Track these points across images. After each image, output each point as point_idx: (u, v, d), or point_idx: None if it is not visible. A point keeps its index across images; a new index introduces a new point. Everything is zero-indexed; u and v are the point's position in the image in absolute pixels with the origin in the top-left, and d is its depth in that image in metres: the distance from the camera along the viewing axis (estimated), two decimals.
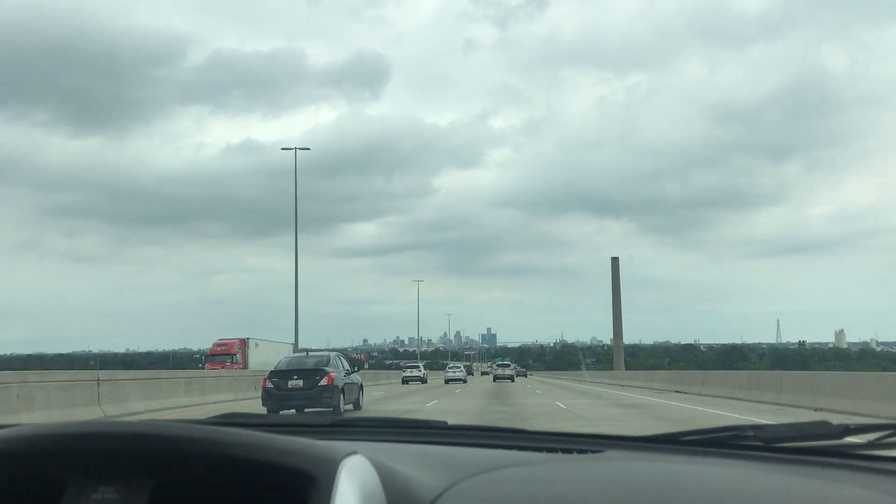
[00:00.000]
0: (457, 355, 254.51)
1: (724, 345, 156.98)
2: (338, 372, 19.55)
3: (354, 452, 1.14)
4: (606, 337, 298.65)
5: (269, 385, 18.98)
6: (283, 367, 19.71)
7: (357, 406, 21.00)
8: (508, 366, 71.62)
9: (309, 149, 47.80)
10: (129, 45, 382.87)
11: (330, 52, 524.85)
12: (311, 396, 18.49)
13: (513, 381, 63.61)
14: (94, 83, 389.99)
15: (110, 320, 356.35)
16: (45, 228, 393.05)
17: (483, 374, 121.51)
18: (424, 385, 52.19)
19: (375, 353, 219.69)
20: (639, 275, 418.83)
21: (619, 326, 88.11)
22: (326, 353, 21.62)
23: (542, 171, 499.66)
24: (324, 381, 18.67)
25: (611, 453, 1.61)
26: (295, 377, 18.85)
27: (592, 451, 1.61)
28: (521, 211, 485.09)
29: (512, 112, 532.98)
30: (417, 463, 1.35)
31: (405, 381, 56.56)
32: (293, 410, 18.57)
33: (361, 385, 22.29)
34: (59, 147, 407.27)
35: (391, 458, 1.26)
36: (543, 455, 1.57)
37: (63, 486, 1.14)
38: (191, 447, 1.11)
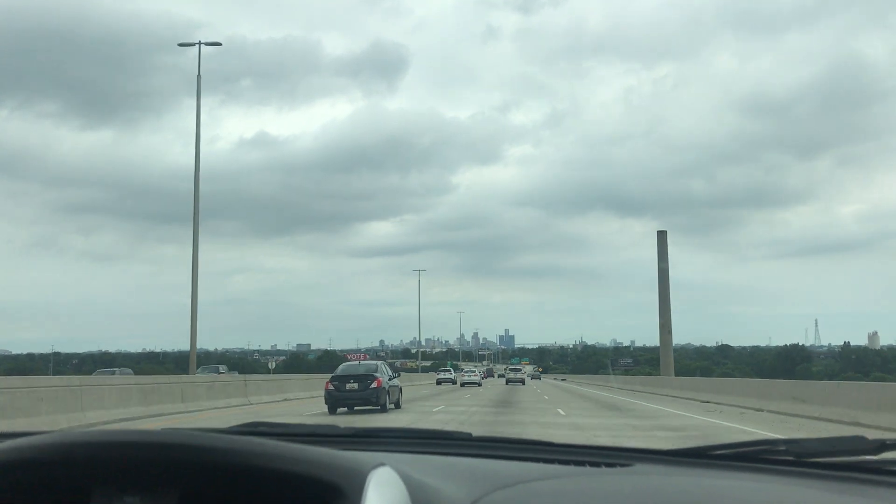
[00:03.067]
0: (469, 356, 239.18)
1: (784, 346, 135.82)
2: (384, 377, 24.01)
3: (382, 464, 1.13)
4: (626, 339, 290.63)
5: (331, 387, 23.32)
6: (341, 373, 24.33)
7: (398, 405, 25.38)
8: (520, 370, 75.38)
9: (220, 44, 36.91)
10: (136, 30, 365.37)
11: (346, 42, 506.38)
12: (364, 396, 22.98)
13: (524, 384, 64.62)
14: (101, 71, 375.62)
15: (126, 320, 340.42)
16: (59, 226, 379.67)
17: (499, 376, 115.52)
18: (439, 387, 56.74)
19: (382, 353, 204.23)
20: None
21: (668, 317, 68.42)
22: (374, 361, 27.04)
23: (563, 168, 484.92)
24: (374, 385, 23.09)
25: (639, 467, 1.60)
26: (351, 381, 23.25)
27: (621, 465, 1.60)
28: (541, 209, 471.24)
29: (533, 105, 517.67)
30: (443, 475, 1.35)
31: (439, 382, 66.35)
32: (345, 409, 23.58)
33: (401, 388, 27.05)
34: (69, 140, 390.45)
35: (418, 471, 1.26)
36: (571, 468, 1.57)
37: (88, 495, 1.14)
38: (216, 457, 1.10)
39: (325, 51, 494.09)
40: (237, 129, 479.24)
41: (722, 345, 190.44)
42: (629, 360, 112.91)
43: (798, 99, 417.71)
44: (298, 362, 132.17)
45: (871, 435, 1.63)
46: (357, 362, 29.19)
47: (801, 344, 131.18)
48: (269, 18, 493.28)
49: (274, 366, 69.73)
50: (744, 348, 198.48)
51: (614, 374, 72.48)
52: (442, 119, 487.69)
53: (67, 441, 1.14)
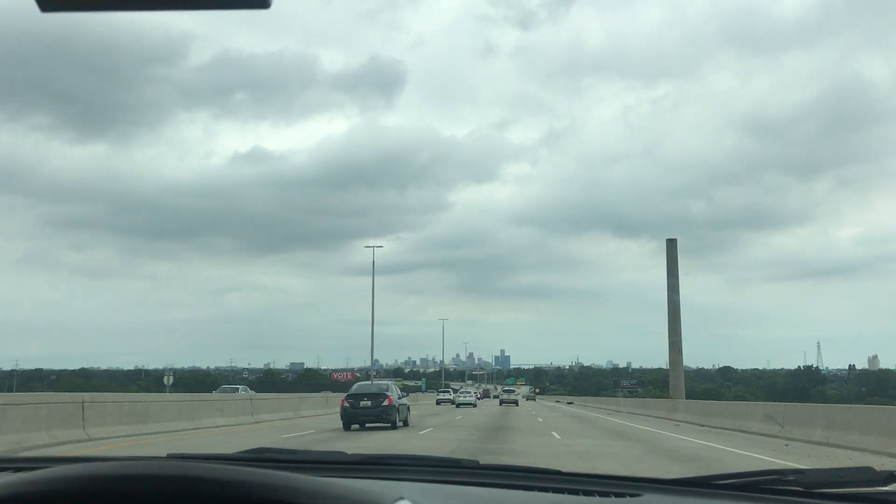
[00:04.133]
0: (462, 376, 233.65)
1: (797, 368, 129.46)
2: (395, 396, 26.09)
3: (401, 498, 1.13)
4: (623, 360, 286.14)
5: (346, 404, 25.26)
6: (356, 392, 26.22)
7: (406, 423, 27.22)
8: (513, 391, 76.40)
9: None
10: (130, 41, 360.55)
11: (343, 57, 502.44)
12: (377, 414, 24.93)
13: (517, 405, 66.04)
14: (93, 83, 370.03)
15: (117, 336, 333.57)
16: (52, 241, 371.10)
17: (494, 397, 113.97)
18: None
19: (373, 373, 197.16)
20: (658, 298, 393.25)
21: (678, 335, 62.38)
22: (386, 381, 31.26)
23: (561, 187, 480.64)
24: (385, 403, 25.11)
25: (648, 497, 1.60)
26: (365, 399, 25.15)
27: (630, 495, 1.60)
28: (538, 229, 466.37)
29: (531, 123, 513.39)
30: None
31: (438, 402, 69.86)
32: (357, 425, 25.20)
33: (409, 406, 29.13)
34: (62, 154, 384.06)
35: (430, 501, 1.26)
36: (580, 499, 1.58)
37: None
38: (230, 490, 1.08)
39: (322, 66, 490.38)
40: (232, 144, 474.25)
41: (724, 367, 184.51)
42: (633, 382, 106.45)
43: (798, 119, 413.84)
44: (271, 381, 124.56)
45: None
46: (370, 382, 31.94)
47: (814, 366, 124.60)
48: (265, 32, 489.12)
49: (171, 381, 57.84)
50: (744, 371, 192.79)
51: (621, 397, 67.95)
52: (439, 136, 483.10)
53: (72, 475, 1.12)
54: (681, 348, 62.18)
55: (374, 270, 72.00)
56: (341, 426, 25.15)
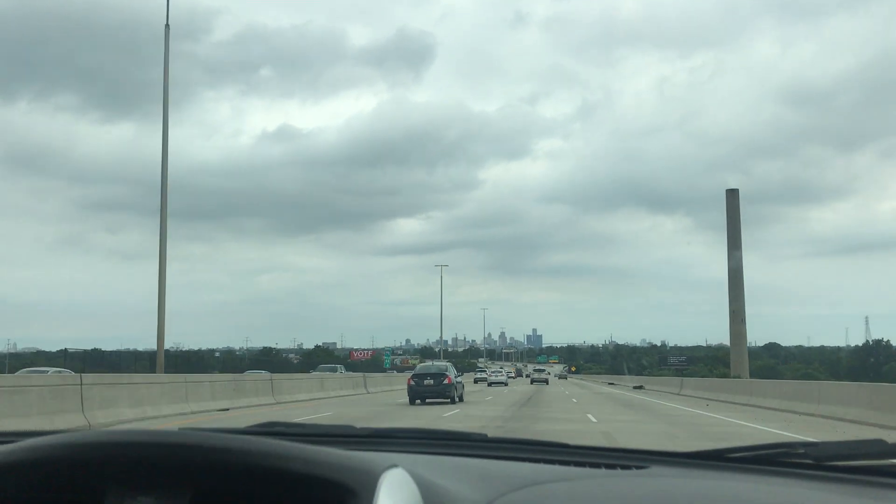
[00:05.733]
0: (492, 355, 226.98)
1: (865, 344, 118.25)
2: (453, 375, 30.08)
3: (395, 465, 1.14)
4: (657, 339, 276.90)
5: (412, 382, 29.38)
6: (420, 372, 30.70)
7: (461, 399, 31.16)
8: (544, 370, 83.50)
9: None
10: (152, 16, 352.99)
11: (370, 31, 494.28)
12: (439, 390, 28.84)
13: (547, 383, 66.18)
14: (117, 60, 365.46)
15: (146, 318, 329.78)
16: (86, 223, 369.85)
17: (527, 375, 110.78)
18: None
19: (399, 352, 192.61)
20: (691, 275, 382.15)
21: (741, 302, 52.75)
22: (445, 363, 35.79)
23: (593, 162, 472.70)
24: (445, 381, 29.02)
25: (655, 469, 1.60)
26: (428, 378, 29.21)
27: (637, 467, 1.61)
28: (570, 206, 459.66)
29: (563, 97, 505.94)
30: (457, 477, 1.35)
31: (476, 381, 71.31)
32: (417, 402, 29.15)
33: (463, 384, 33.71)
34: (90, 134, 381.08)
35: (431, 472, 1.27)
36: (586, 470, 1.58)
37: (102, 495, 1.15)
38: (230, 458, 1.11)
39: (349, 39, 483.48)
40: (260, 122, 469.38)
41: (770, 343, 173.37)
42: (682, 359, 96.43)
43: (840, 88, 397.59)
44: (269, 361, 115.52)
45: None
46: (430, 363, 37.77)
47: (885, 340, 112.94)
48: (290, 5, 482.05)
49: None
50: (788, 347, 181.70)
51: (661, 376, 58.13)
52: (469, 112, 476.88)
53: (81, 441, 1.15)
54: (744, 318, 52.56)
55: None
56: (396, 402, 29.78)
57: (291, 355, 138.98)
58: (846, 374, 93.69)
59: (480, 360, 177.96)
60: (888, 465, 1.55)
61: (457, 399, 29.90)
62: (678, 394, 42.76)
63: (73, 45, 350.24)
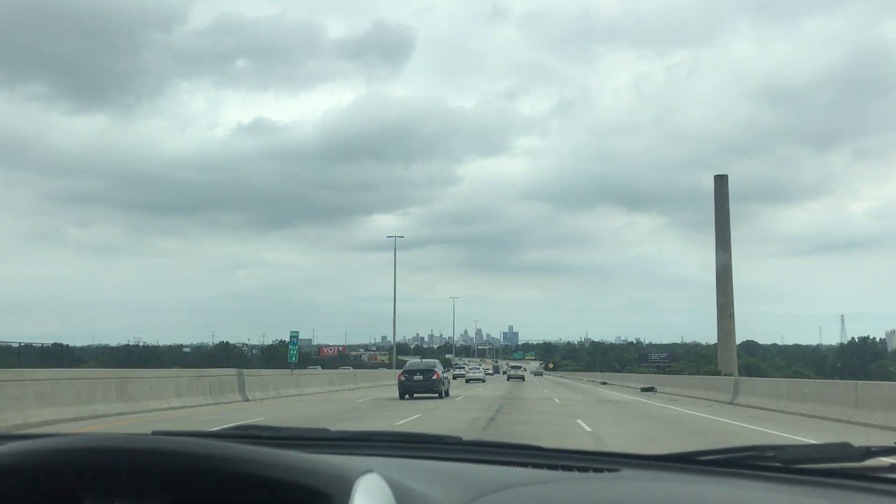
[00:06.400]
0: (467, 351, 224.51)
1: (851, 341, 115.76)
2: (440, 371, 32.13)
3: (370, 470, 1.15)
4: (631, 336, 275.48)
5: (403, 378, 31.15)
6: (410, 368, 32.34)
7: (447, 394, 32.97)
8: (520, 367, 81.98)
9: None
10: (124, 3, 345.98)
11: (348, 23, 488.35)
12: (427, 385, 30.66)
13: (523, 380, 68.19)
14: (87, 49, 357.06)
15: (125, 314, 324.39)
16: (57, 217, 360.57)
17: (503, 373, 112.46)
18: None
19: (361, 350, 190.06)
20: (666, 274, 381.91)
21: (730, 297, 49.70)
22: (433, 360, 37.85)
23: (571, 160, 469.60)
24: (434, 377, 30.90)
25: (627, 472, 1.63)
26: (418, 374, 30.96)
27: (609, 471, 1.63)
28: (547, 203, 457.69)
29: (541, 93, 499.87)
30: (431, 480, 1.36)
31: (455, 377, 70.10)
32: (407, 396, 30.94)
33: (449, 380, 37.40)
34: (59, 126, 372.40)
35: (405, 476, 1.28)
36: (559, 474, 1.61)
37: (79, 501, 1.15)
38: (206, 464, 1.12)
39: (326, 31, 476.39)
40: (235, 114, 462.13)
41: (747, 341, 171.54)
42: (664, 356, 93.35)
43: (815, 87, 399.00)
44: (226, 356, 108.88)
45: None
46: (419, 360, 39.24)
47: (871, 338, 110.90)
48: None
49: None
50: (764, 346, 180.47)
51: (640, 373, 54.63)
52: (447, 107, 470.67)
53: (57, 447, 1.15)
54: (732, 312, 49.42)
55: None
56: (378, 398, 30.83)
57: (255, 351, 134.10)
58: (832, 373, 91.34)
59: (448, 355, 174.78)
60: (855, 468, 1.56)
61: (443, 394, 31.62)
62: (732, 402, 29.03)
63: (40, 31, 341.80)
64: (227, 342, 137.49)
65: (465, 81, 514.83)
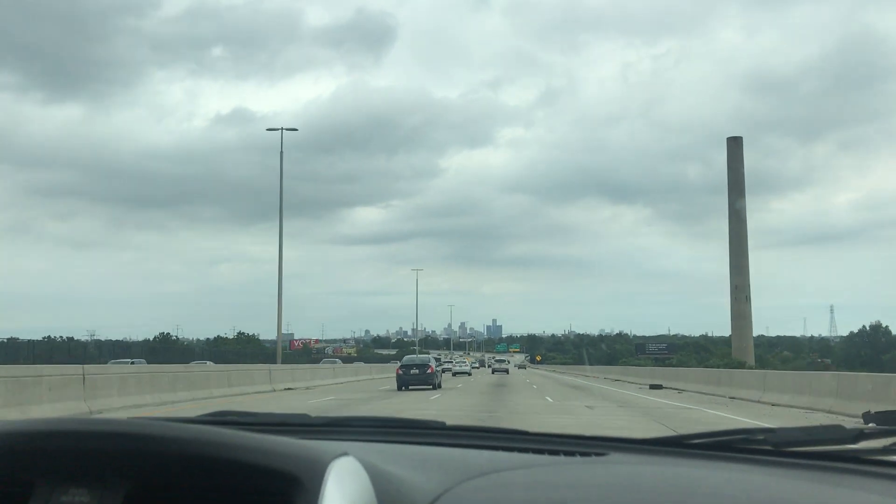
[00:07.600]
0: (451, 344, 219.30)
1: (861, 330, 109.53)
2: (435, 365, 35.14)
3: (345, 454, 1.10)
4: (615, 329, 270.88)
5: (401, 372, 33.79)
6: (407, 362, 35.08)
7: (440, 385, 35.28)
8: (504, 360, 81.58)
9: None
10: None
11: (328, 9, 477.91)
12: (423, 378, 32.93)
13: (507, 373, 68.03)
14: (59, 35, 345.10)
15: (104, 308, 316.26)
16: (34, 210, 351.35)
17: (488, 366, 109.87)
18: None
19: (346, 341, 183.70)
20: (651, 266, 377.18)
21: (745, 277, 42.82)
22: (428, 354, 54.42)
23: (556, 151, 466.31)
24: (429, 370, 33.41)
25: (614, 456, 1.60)
26: (414, 368, 33.52)
27: (596, 454, 1.60)
28: (532, 196, 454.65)
29: (526, 83, 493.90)
30: (412, 465, 1.33)
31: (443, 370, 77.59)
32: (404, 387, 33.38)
33: (441, 372, 39.78)
34: (32, 116, 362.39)
35: (384, 460, 1.24)
36: (545, 458, 1.58)
37: (30, 488, 1.10)
38: (169, 447, 1.07)
39: (306, 18, 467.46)
40: (213, 105, 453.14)
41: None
42: (662, 347, 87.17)
43: (803, 77, 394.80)
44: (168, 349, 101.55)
45: None
46: (415, 355, 44.49)
47: (884, 326, 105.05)
48: None
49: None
50: (755, 337, 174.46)
51: (640, 366, 48.06)
52: (430, 97, 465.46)
53: (7, 431, 1.10)
54: (749, 295, 42.48)
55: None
56: (380, 389, 33.99)
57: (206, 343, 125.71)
58: (845, 364, 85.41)
59: (430, 350, 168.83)
60: (846, 451, 1.54)
61: (437, 385, 33.86)
62: (759, 401, 23.83)
63: (9, 16, 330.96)
64: (168, 334, 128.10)
65: (449, 71, 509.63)
